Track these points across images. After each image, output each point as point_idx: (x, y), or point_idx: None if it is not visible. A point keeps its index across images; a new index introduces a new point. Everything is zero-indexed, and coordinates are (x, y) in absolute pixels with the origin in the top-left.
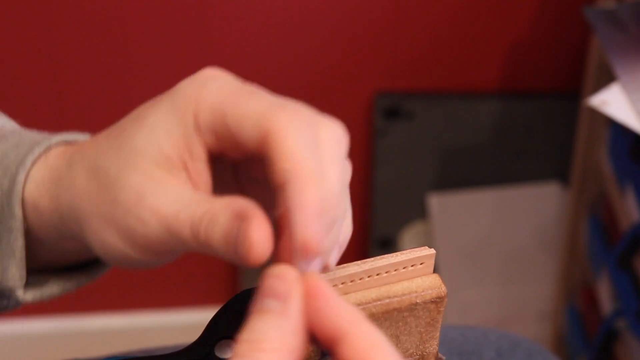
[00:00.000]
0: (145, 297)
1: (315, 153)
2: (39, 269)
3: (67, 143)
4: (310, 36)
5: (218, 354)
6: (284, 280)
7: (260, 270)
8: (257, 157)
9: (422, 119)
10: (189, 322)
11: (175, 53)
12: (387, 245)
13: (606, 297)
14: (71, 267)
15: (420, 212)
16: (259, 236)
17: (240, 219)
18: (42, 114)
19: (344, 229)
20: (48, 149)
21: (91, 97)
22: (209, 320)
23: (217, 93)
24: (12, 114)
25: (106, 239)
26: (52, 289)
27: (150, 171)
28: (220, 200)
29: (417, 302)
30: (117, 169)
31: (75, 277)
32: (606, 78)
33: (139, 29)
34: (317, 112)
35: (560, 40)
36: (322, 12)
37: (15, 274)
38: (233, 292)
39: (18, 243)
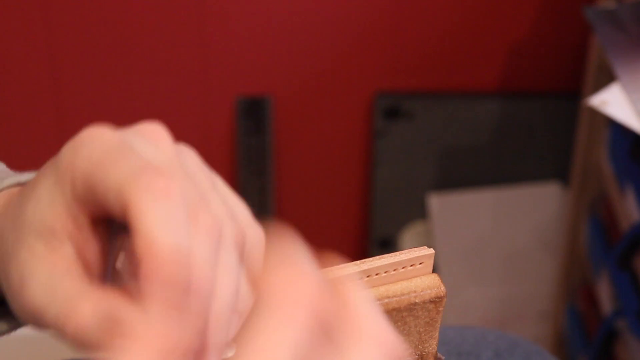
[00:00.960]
0: None
1: (177, 224)
2: None
3: (21, 184)
4: (310, 36)
5: None
6: None
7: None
8: None
9: (422, 119)
10: None
11: (174, 54)
12: (387, 245)
13: (606, 297)
14: None
15: (420, 212)
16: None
17: (109, 331)
18: (42, 114)
19: (243, 295)
20: None
21: (91, 96)
22: None
23: (87, 162)
24: (12, 114)
25: (12, 309)
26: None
27: (33, 247)
28: (80, 298)
29: (416, 302)
30: (12, 243)
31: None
32: (606, 78)
33: (139, 29)
34: (173, 143)
35: (560, 40)
36: (322, 12)
37: None
38: None
39: None
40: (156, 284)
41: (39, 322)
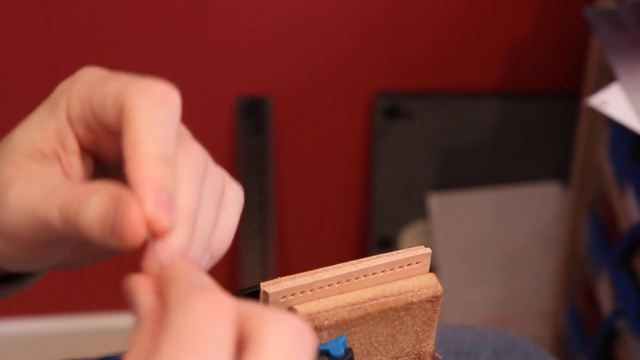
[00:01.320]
0: None
1: (167, 133)
2: None
3: None
4: (311, 36)
5: None
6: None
7: (259, 272)
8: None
9: (422, 119)
10: None
11: (174, 54)
12: (387, 245)
13: (606, 297)
14: None
15: (420, 212)
16: (137, 215)
17: (117, 200)
18: None
19: (218, 236)
20: None
21: None
22: None
23: (83, 83)
24: (13, 114)
25: None
26: None
27: (23, 163)
28: (93, 184)
29: (413, 302)
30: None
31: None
32: (606, 78)
33: (139, 28)
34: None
35: (560, 40)
36: (322, 12)
37: None
38: (232, 290)
39: None
40: (142, 182)
41: (21, 231)
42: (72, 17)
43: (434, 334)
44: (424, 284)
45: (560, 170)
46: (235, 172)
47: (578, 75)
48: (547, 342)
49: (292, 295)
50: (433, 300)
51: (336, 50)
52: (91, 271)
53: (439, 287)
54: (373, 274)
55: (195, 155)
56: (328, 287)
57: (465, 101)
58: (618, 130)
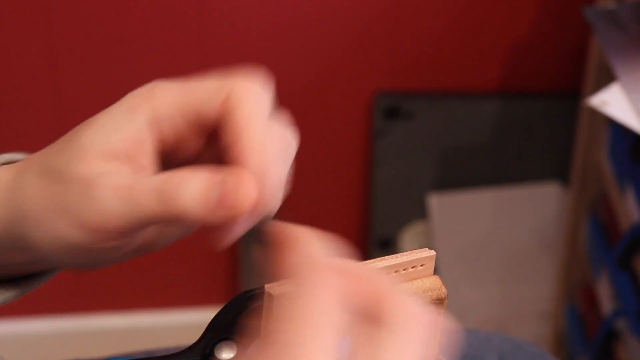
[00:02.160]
0: (145, 297)
1: (264, 121)
2: None
3: (11, 162)
4: (310, 36)
5: (218, 355)
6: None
7: (259, 271)
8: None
9: (422, 119)
10: (189, 322)
11: (174, 54)
12: (387, 246)
13: (606, 297)
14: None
15: (420, 212)
16: (250, 187)
17: (221, 178)
18: (43, 114)
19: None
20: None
21: (91, 96)
22: (208, 320)
23: (171, 88)
24: (13, 114)
25: (57, 230)
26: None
27: (96, 162)
28: (182, 170)
29: None
30: (66, 164)
31: (11, 288)
32: (606, 78)
33: (138, 28)
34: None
35: (560, 40)
36: (322, 12)
37: None
38: (233, 292)
39: None
40: (250, 158)
41: (113, 219)
42: (72, 16)
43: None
44: (429, 286)
45: (560, 171)
46: None
47: (578, 75)
48: (547, 342)
49: None
50: (437, 302)
51: (336, 50)
52: (91, 271)
53: (444, 290)
54: None
55: (283, 136)
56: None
57: (465, 101)
58: (618, 130)
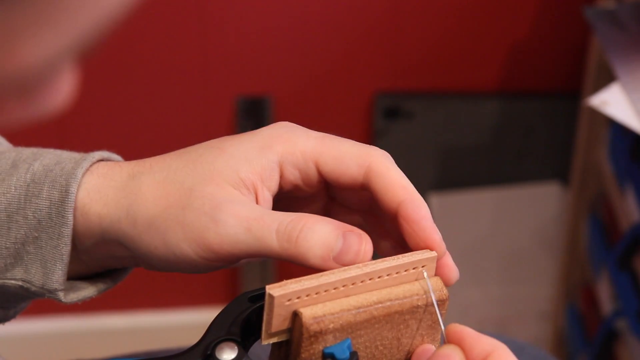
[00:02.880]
0: (145, 297)
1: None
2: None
3: (104, 159)
4: (311, 36)
5: (219, 355)
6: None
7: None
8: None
9: (422, 119)
10: (189, 322)
11: (175, 54)
12: None
13: (606, 297)
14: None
15: None
16: (369, 248)
17: (342, 233)
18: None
19: None
20: (92, 164)
21: (91, 96)
22: (209, 320)
23: (307, 139)
24: None
25: (168, 240)
26: (88, 291)
27: (225, 187)
28: (308, 215)
29: (418, 305)
30: (193, 182)
31: (102, 281)
32: (606, 78)
33: (139, 28)
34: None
35: (560, 40)
36: (322, 12)
37: (60, 277)
38: (233, 292)
39: (67, 248)
40: (423, 211)
41: (229, 245)
42: None
43: (440, 337)
44: (430, 287)
45: (560, 170)
46: None
47: (578, 75)
48: (547, 342)
49: (298, 298)
50: (439, 303)
51: (336, 50)
52: None
53: (445, 291)
54: (379, 277)
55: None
56: (333, 290)
57: (465, 101)
58: (618, 130)
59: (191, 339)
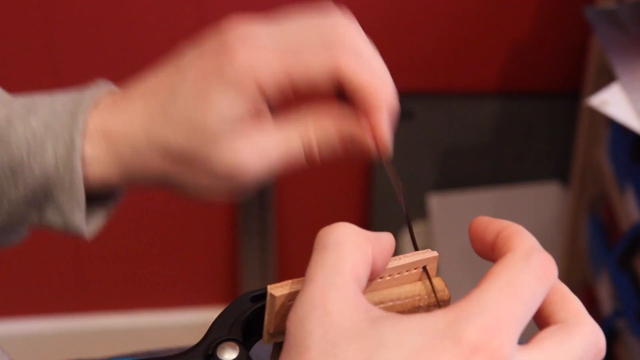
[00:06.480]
0: (145, 297)
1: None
2: None
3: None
4: None
5: (220, 355)
6: None
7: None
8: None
9: (422, 119)
10: (189, 322)
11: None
12: None
13: (606, 297)
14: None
15: (420, 212)
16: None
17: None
18: None
19: None
20: (96, 103)
21: None
22: (209, 320)
23: (269, 62)
24: None
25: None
26: (100, 218)
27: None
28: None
29: (420, 306)
30: (199, 147)
31: (105, 206)
32: (606, 78)
33: (138, 28)
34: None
35: (560, 40)
36: None
37: (81, 218)
38: (233, 292)
39: (81, 193)
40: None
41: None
42: (71, 15)
43: None
44: (432, 287)
45: (560, 171)
46: None
47: (578, 75)
48: None
49: None
50: (441, 304)
51: None
52: (91, 271)
53: (447, 292)
54: (380, 277)
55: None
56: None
57: (465, 101)
58: (618, 130)
59: (191, 339)
